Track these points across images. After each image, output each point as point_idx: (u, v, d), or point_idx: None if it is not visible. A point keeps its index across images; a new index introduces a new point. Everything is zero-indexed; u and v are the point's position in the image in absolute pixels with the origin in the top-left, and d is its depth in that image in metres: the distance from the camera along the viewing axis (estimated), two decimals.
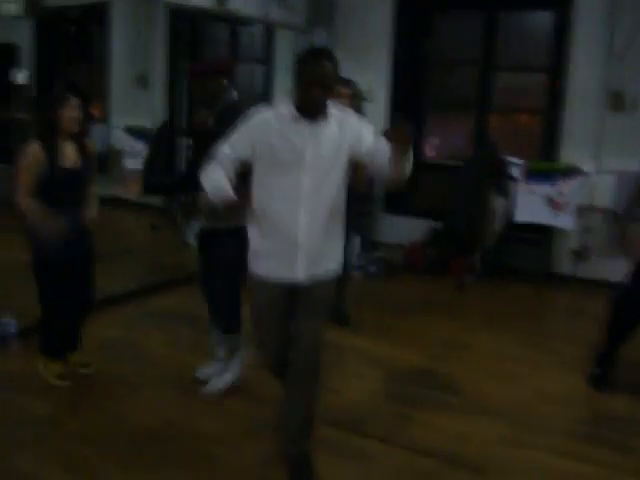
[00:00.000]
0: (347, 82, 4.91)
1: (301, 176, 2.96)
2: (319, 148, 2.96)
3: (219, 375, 4.14)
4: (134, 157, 8.63)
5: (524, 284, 6.43)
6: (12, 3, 7.54)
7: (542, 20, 6.95)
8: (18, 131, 7.53)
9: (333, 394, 4.11)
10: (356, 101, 4.88)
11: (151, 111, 8.52)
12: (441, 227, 6.92)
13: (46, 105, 4.02)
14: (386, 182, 3.11)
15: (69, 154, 3.99)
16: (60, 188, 3.96)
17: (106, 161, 9.24)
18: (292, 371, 3.17)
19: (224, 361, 4.17)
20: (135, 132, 8.64)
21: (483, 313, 5.80)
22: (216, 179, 3.05)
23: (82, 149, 4.07)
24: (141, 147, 8.52)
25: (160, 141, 8.14)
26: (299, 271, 3.05)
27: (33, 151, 3.89)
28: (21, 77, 8.18)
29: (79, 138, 4.06)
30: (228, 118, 3.59)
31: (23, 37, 9.41)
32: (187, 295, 5.94)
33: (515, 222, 6.46)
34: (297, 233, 3.00)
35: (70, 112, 3.94)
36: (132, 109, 8.89)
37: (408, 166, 2.94)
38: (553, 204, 6.30)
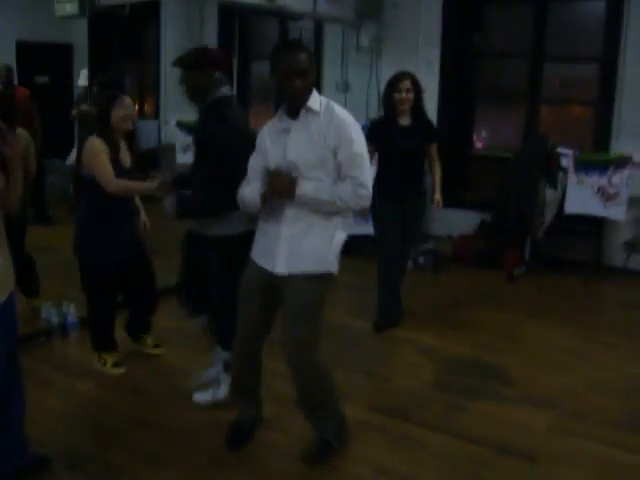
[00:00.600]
0: (406, 75, 4.87)
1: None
2: (300, 144, 2.99)
3: (212, 386, 3.88)
4: (185, 151, 8.79)
5: (575, 276, 6.38)
6: (67, 3, 7.71)
7: (593, 9, 6.88)
8: (80, 128, 7.72)
9: (385, 382, 4.18)
10: (418, 94, 4.84)
11: None
12: (491, 219, 6.91)
13: (100, 104, 4.09)
14: None
15: (124, 155, 4.07)
16: None
17: (158, 156, 9.43)
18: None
19: (217, 374, 3.90)
20: (186, 127, 8.79)
21: (533, 305, 5.79)
22: (246, 195, 3.14)
23: (134, 150, 4.15)
24: (192, 141, 8.65)
25: None
26: (278, 263, 3.08)
27: (100, 146, 3.94)
28: (83, 76, 8.36)
29: (130, 137, 4.13)
30: (213, 115, 3.49)
31: (77, 36, 9.64)
32: None
33: (566, 213, 6.43)
34: (280, 226, 3.07)
35: (122, 110, 3.99)
36: (183, 104, 8.95)
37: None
38: (604, 195, 6.25)
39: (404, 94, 4.77)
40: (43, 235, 5.58)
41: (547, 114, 7.29)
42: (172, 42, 9.28)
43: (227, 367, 3.77)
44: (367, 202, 3.08)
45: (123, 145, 4.09)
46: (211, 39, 8.77)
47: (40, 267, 5.24)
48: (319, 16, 6.88)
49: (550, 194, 6.42)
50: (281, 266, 3.08)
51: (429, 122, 5.03)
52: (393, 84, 4.81)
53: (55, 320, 4.81)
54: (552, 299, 5.94)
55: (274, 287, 3.16)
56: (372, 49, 7.37)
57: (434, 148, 4.99)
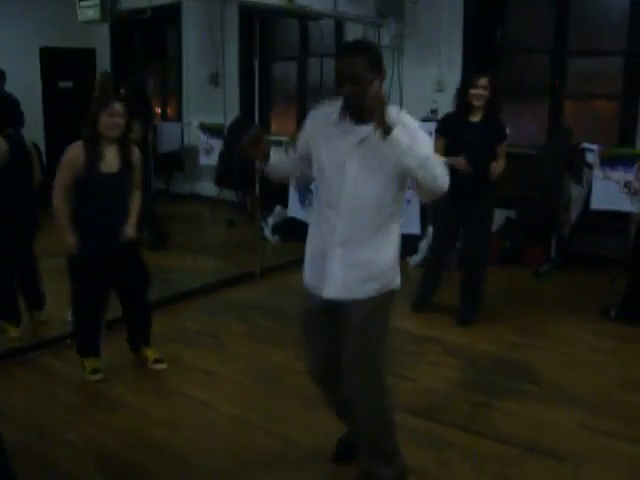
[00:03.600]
0: (485, 73, 4.94)
1: (343, 182, 2.72)
2: (364, 153, 2.69)
3: None
4: (208, 154, 8.83)
5: (602, 272, 6.31)
6: (89, 9, 7.75)
7: (617, 2, 6.79)
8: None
9: (410, 383, 4.16)
10: (493, 93, 4.91)
11: (224, 108, 8.67)
12: (516, 216, 6.85)
13: (90, 107, 3.97)
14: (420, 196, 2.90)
15: (110, 159, 3.97)
16: (97, 193, 3.96)
17: (181, 158, 9.49)
18: (345, 392, 2.98)
19: None
20: (209, 129, 8.84)
21: (560, 302, 5.73)
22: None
23: (125, 156, 4.04)
24: (215, 143, 8.71)
25: (233, 137, 8.31)
26: (332, 286, 2.81)
27: (72, 152, 3.93)
28: None
29: (124, 144, 4.04)
30: None
31: (99, 40, 9.71)
32: (264, 288, 6.08)
33: (592, 209, 6.36)
34: (334, 243, 2.78)
35: (107, 117, 3.90)
36: (205, 106, 9.09)
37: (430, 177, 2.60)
38: (630, 190, 6.17)
39: (481, 90, 4.85)
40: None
41: (571, 109, 7.21)
42: (193, 44, 9.33)
43: None
44: (445, 189, 2.67)
45: (113, 150, 3.99)
46: (232, 40, 8.80)
47: (57, 270, 5.26)
48: (340, 16, 6.86)
49: (575, 190, 6.36)
50: (338, 289, 2.81)
51: (500, 121, 5.06)
52: (471, 80, 4.90)
53: None
54: (579, 296, 5.88)
55: (331, 307, 2.88)
56: (394, 48, 7.33)
57: (503, 148, 5.00)
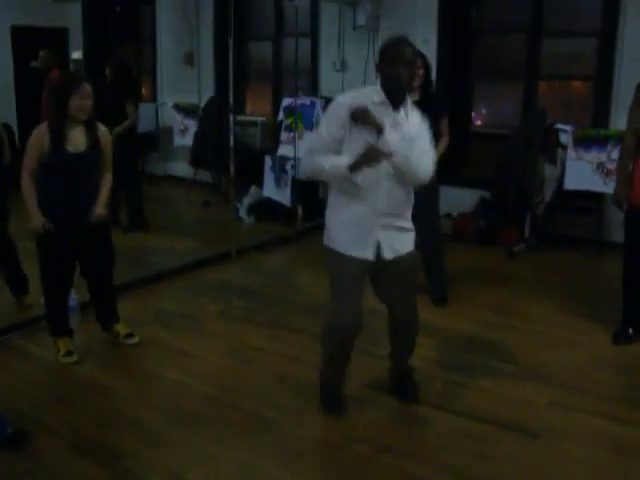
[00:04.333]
0: (419, 55, 4.92)
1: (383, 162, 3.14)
2: (401, 134, 3.16)
3: None
4: (183, 134, 8.77)
5: (575, 252, 6.38)
6: None
7: None
8: None
9: (385, 361, 4.17)
10: (427, 71, 4.90)
11: (198, 88, 8.61)
12: (490, 196, 6.89)
13: (58, 89, 3.96)
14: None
15: (77, 140, 3.96)
16: (64, 172, 3.94)
17: (156, 139, 9.41)
18: (393, 336, 3.68)
19: None
20: (184, 109, 8.78)
21: (535, 281, 5.78)
22: (324, 162, 3.21)
23: (92, 136, 4.01)
24: (190, 124, 8.65)
25: (208, 117, 8.27)
26: (387, 250, 3.33)
27: (37, 134, 3.91)
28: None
29: (91, 125, 4.01)
30: None
31: (72, 20, 9.57)
32: (239, 268, 6.07)
33: (565, 190, 6.41)
34: (378, 215, 3.27)
35: (78, 100, 3.88)
36: (180, 87, 9.02)
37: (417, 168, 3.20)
38: (604, 171, 6.22)
39: (417, 72, 4.79)
40: None
41: (546, 90, 7.24)
42: (168, 23, 9.24)
43: None
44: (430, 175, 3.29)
45: (79, 131, 3.97)
46: (207, 20, 8.72)
47: (31, 253, 5.20)
48: None
49: (549, 170, 6.40)
50: (392, 252, 3.34)
51: (438, 97, 5.07)
52: None
53: None
54: (553, 275, 5.94)
55: (372, 269, 3.39)
56: (369, 27, 7.31)
57: (444, 123, 4.99)
